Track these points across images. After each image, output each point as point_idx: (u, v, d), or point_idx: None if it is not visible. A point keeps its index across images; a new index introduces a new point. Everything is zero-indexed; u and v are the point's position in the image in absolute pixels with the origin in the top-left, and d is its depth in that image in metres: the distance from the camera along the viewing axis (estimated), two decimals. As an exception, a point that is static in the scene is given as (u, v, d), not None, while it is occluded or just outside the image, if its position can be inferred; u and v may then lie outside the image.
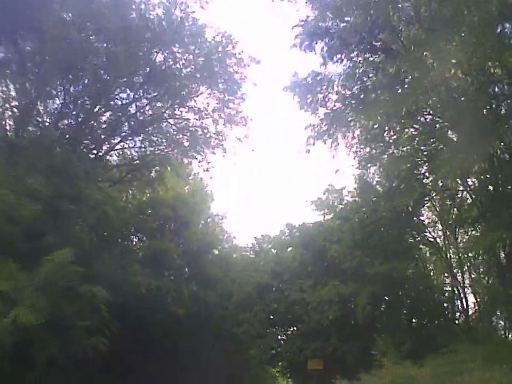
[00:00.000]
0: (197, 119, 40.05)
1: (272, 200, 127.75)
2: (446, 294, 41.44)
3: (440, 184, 30.02)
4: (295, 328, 48.86)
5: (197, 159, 41.44)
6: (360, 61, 31.79)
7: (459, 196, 38.82)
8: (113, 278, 32.22)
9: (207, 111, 39.68)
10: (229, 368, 51.62)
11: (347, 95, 32.67)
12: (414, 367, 26.04)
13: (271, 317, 49.44)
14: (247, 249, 56.59)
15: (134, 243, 50.30)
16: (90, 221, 30.19)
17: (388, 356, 37.38)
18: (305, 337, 45.27)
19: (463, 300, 39.60)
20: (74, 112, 36.41)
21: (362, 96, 31.23)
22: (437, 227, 43.96)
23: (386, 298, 41.15)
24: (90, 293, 25.04)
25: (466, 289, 40.83)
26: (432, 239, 42.49)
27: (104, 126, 38.32)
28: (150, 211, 49.59)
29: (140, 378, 40.54)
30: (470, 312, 39.88)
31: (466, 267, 41.81)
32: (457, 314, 40.79)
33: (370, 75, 31.34)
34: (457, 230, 41.54)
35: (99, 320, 25.96)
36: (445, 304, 41.05)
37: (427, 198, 37.37)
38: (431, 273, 45.19)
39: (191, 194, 53.32)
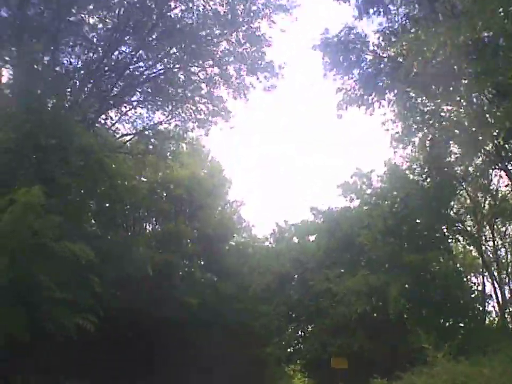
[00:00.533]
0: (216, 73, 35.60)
1: (294, 184, 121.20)
2: (476, 291, 40.18)
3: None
4: (318, 323, 44.06)
5: (215, 124, 37.10)
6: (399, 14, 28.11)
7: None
8: (116, 254, 29.81)
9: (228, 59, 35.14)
10: (244, 365, 47.41)
11: (384, 57, 29.52)
12: (467, 365, 22.01)
13: (292, 310, 45.49)
14: (267, 238, 52.38)
15: (144, 225, 46.80)
16: (76, 164, 26.09)
17: (434, 352, 33.50)
18: (330, 332, 40.98)
19: (499, 297, 38.16)
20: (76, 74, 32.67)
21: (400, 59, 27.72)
22: (469, 217, 41.94)
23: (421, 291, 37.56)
24: (67, 250, 20.23)
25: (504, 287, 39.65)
26: (466, 230, 40.04)
27: (113, 90, 34.20)
28: (163, 192, 46.66)
29: (143, 372, 37.88)
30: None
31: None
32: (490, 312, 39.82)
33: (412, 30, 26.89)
34: (494, 221, 40.28)
35: (92, 296, 22.15)
36: (476, 304, 39.19)
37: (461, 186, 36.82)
38: (462, 268, 42.74)
39: (208, 177, 50.12)
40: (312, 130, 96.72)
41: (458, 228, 39.50)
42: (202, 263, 49.42)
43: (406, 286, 36.23)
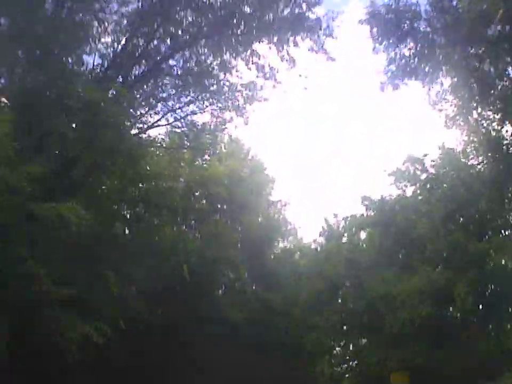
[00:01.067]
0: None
1: (342, 177, 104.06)
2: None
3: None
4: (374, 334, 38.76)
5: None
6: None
7: None
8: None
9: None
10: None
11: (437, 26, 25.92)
12: None
13: (345, 320, 39.85)
14: (315, 240, 46.37)
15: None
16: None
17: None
18: (389, 344, 35.48)
19: None
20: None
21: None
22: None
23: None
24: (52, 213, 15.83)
25: None
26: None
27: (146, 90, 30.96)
28: (200, 190, 42.72)
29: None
30: None
31: None
32: None
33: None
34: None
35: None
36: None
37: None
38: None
39: (249, 176, 45.84)
40: (356, 115, 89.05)
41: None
42: (246, 272, 44.75)
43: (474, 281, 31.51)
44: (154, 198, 32.73)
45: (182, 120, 32.72)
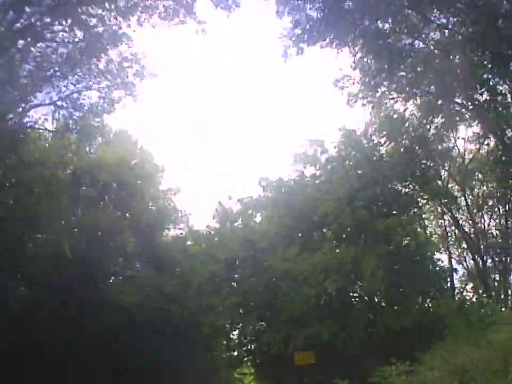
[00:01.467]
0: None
1: (239, 163, 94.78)
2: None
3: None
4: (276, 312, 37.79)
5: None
6: None
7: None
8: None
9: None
10: (192, 371, 40.87)
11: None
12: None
13: (245, 300, 37.82)
14: (208, 226, 43.88)
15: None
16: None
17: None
18: (293, 322, 34.68)
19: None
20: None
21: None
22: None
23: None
24: None
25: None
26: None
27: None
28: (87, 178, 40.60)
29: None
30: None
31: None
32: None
33: None
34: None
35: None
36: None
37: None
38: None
39: (137, 165, 44.61)
40: (257, 94, 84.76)
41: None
42: (137, 257, 43.95)
43: (381, 257, 31.30)
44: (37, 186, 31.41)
45: (68, 100, 30.33)
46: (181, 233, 48.00)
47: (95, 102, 30.45)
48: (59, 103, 30.39)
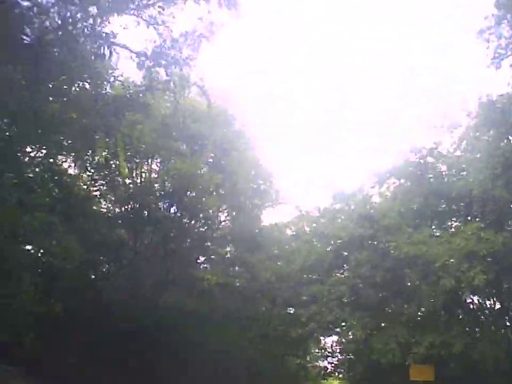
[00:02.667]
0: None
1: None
2: None
3: None
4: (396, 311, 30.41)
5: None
6: None
7: None
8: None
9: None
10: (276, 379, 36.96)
11: None
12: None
13: (357, 293, 30.65)
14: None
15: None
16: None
17: None
18: (415, 325, 27.87)
19: None
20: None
21: None
22: None
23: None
24: None
25: None
26: None
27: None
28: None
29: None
30: None
31: None
32: None
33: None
34: None
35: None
36: None
37: None
38: None
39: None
40: None
41: None
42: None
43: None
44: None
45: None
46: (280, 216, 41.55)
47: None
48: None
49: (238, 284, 35.17)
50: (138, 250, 35.08)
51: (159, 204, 36.15)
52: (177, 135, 35.04)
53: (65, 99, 23.68)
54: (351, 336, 32.10)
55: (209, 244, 38.08)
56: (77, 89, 23.51)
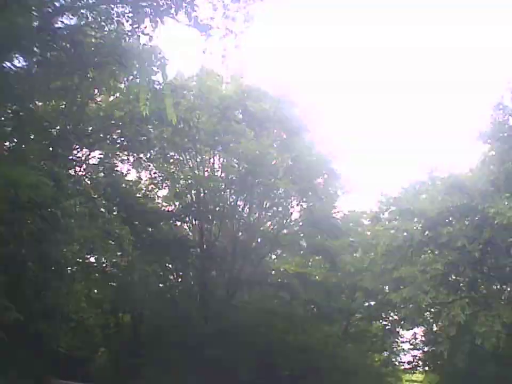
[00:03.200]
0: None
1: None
2: None
3: None
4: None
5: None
6: None
7: None
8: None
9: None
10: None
11: None
12: None
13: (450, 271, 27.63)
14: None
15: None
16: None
17: None
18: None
19: None
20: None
21: None
22: None
23: None
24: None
25: None
26: None
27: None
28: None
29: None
30: None
31: None
32: None
33: None
34: None
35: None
36: None
37: None
38: None
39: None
40: None
41: None
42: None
43: None
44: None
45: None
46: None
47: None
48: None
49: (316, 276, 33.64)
50: (205, 248, 33.39)
51: (225, 194, 34.07)
52: (238, 117, 33.18)
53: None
54: (446, 323, 28.87)
55: (285, 231, 35.75)
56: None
